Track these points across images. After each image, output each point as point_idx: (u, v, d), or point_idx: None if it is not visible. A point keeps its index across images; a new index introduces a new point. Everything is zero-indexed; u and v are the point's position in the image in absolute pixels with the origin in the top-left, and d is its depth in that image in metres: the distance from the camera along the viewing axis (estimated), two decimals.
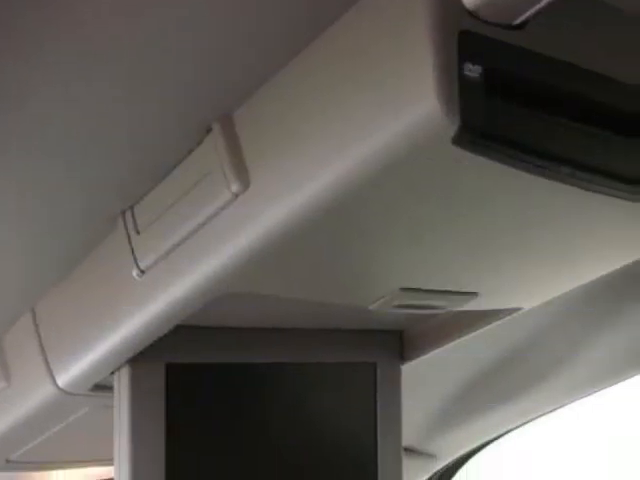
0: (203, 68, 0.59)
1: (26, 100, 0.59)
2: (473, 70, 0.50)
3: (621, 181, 0.58)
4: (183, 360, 0.82)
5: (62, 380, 0.82)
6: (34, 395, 0.86)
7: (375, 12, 0.53)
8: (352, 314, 0.86)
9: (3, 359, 0.91)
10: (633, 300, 1.14)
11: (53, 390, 0.83)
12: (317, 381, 0.93)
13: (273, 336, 0.88)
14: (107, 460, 0.83)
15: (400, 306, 0.82)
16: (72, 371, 0.81)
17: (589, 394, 1.48)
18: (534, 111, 0.54)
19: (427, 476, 1.69)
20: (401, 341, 0.99)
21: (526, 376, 1.34)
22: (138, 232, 0.72)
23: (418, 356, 0.99)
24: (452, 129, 0.50)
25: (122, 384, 0.80)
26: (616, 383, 1.44)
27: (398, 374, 0.99)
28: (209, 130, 0.64)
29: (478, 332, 0.93)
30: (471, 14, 0.50)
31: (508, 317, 0.90)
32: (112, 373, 0.81)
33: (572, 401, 1.49)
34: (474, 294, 0.81)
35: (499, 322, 0.91)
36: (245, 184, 0.62)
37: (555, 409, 1.52)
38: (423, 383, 1.25)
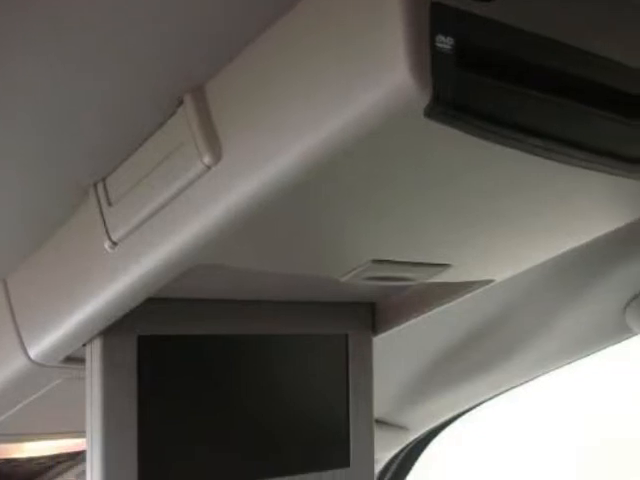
0: (173, 39, 0.58)
1: None
2: (445, 42, 0.50)
3: (596, 153, 0.59)
4: (155, 332, 0.82)
5: (34, 352, 0.82)
6: (6, 367, 0.86)
7: None
8: (324, 286, 0.87)
9: None
10: (603, 273, 1.15)
11: (25, 362, 0.83)
12: (289, 353, 0.93)
13: (245, 308, 0.88)
14: (81, 432, 0.83)
15: (372, 278, 0.83)
16: (44, 343, 0.81)
17: (559, 366, 1.50)
18: (506, 83, 0.54)
19: (399, 448, 1.71)
20: (373, 313, 1.00)
21: (497, 348, 1.35)
22: (110, 204, 0.72)
23: (390, 328, 1.00)
24: (424, 101, 0.50)
25: (94, 356, 0.80)
26: (586, 356, 1.46)
27: (370, 346, 1.00)
28: (181, 102, 0.64)
29: (450, 304, 0.94)
30: None
31: (480, 289, 0.91)
32: (84, 345, 0.81)
33: (543, 373, 1.51)
34: (446, 266, 0.81)
35: (471, 294, 0.92)
36: (217, 156, 0.62)
37: (526, 381, 1.54)
38: (395, 355, 1.26)
